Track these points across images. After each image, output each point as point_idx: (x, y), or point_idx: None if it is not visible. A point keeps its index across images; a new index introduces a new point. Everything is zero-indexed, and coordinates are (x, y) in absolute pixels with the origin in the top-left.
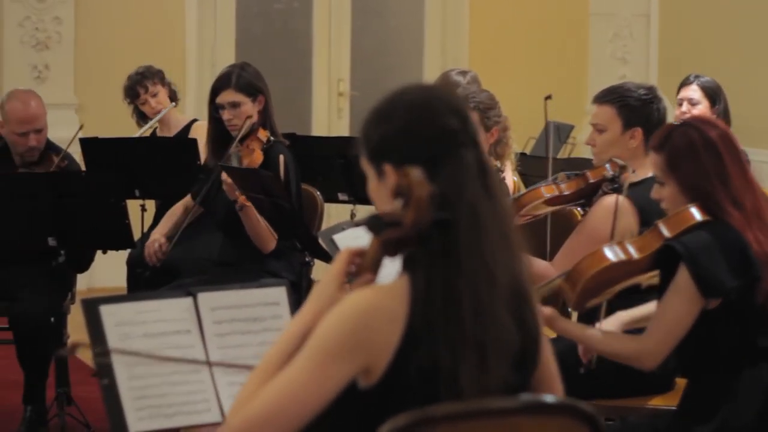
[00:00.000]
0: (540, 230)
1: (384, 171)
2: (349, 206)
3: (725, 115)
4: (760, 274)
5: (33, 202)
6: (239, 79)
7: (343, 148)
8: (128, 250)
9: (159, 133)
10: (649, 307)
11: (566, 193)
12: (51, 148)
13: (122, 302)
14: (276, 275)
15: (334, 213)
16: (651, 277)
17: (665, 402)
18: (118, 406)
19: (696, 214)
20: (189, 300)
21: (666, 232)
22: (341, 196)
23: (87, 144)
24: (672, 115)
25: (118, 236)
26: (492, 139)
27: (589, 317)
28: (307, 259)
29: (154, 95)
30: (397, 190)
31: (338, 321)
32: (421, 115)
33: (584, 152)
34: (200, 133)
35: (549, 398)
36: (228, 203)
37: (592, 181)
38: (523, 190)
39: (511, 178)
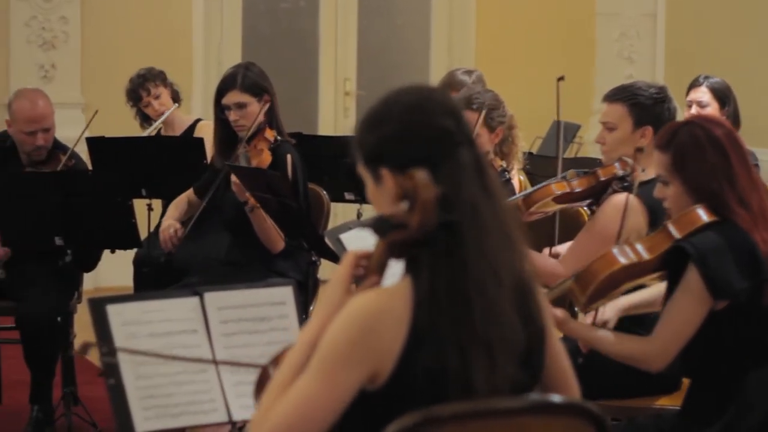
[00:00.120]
0: (548, 229)
1: (381, 175)
2: (356, 206)
3: (735, 117)
4: None
5: (40, 202)
6: (244, 79)
7: (349, 148)
8: (135, 250)
9: (164, 134)
10: (647, 293)
11: (577, 190)
12: (58, 147)
13: (129, 302)
14: (283, 275)
15: (340, 212)
16: (655, 278)
17: (672, 402)
18: (124, 405)
19: (704, 214)
20: (196, 300)
21: (675, 233)
22: (348, 196)
23: (93, 143)
24: (681, 117)
25: (124, 236)
26: (497, 139)
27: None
28: (313, 259)
29: (157, 97)
30: (403, 192)
31: (343, 328)
32: (416, 117)
33: (590, 152)
34: (205, 133)
35: (555, 398)
36: (236, 203)
37: (602, 179)
38: (531, 189)
39: (518, 177)
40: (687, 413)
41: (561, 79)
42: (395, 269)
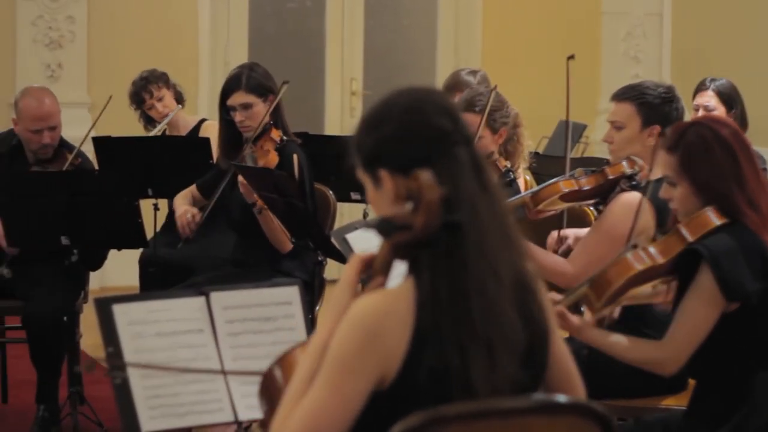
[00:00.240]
0: (555, 227)
1: (380, 177)
2: (362, 205)
3: (742, 119)
4: None
5: (46, 201)
6: (249, 80)
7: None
8: (140, 249)
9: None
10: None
11: (585, 188)
12: (64, 145)
13: (135, 301)
14: (289, 275)
15: (346, 212)
16: (668, 280)
17: (677, 402)
18: (130, 405)
19: (715, 217)
20: (201, 299)
21: (688, 236)
22: (354, 196)
23: (100, 143)
24: (689, 116)
25: (130, 235)
26: (501, 139)
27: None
28: (320, 259)
29: (160, 99)
30: (406, 193)
31: (348, 333)
32: (412, 118)
33: (597, 152)
34: (210, 132)
35: (561, 398)
36: (242, 204)
37: (610, 177)
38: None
39: (523, 177)
40: (694, 414)
41: (571, 57)
42: (400, 270)
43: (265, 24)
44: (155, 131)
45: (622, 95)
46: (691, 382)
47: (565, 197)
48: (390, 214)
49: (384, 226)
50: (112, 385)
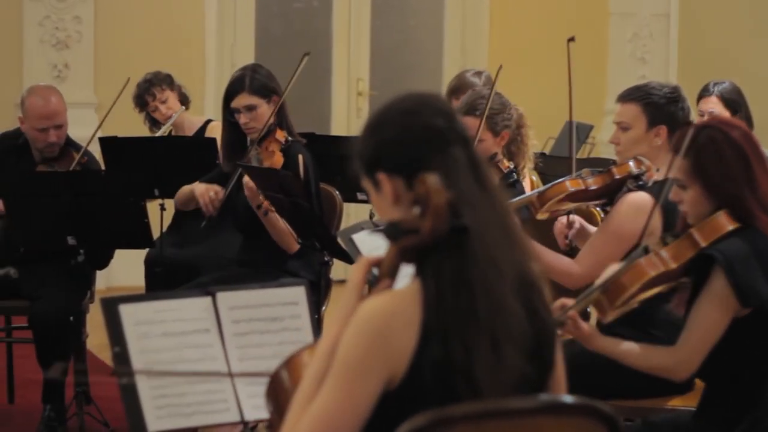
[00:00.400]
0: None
1: (378, 180)
2: (368, 206)
3: (747, 121)
4: None
5: (53, 201)
6: (252, 81)
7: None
8: (146, 249)
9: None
10: None
11: (592, 188)
12: (70, 144)
13: (141, 301)
14: (295, 275)
15: (353, 212)
16: (682, 282)
17: (684, 403)
18: (136, 405)
19: (727, 221)
20: (208, 299)
21: (700, 241)
22: (360, 196)
23: (106, 143)
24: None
25: (137, 235)
26: (503, 141)
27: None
28: (326, 259)
29: (164, 101)
30: (414, 197)
31: (356, 335)
32: (408, 120)
33: (603, 152)
34: (217, 133)
35: (568, 398)
36: (248, 205)
37: (617, 177)
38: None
39: (529, 177)
40: (703, 416)
41: (571, 39)
42: (406, 272)
43: (272, 24)
44: (160, 133)
45: (628, 96)
46: (698, 382)
47: (572, 197)
48: (395, 218)
49: (391, 230)
50: (119, 385)
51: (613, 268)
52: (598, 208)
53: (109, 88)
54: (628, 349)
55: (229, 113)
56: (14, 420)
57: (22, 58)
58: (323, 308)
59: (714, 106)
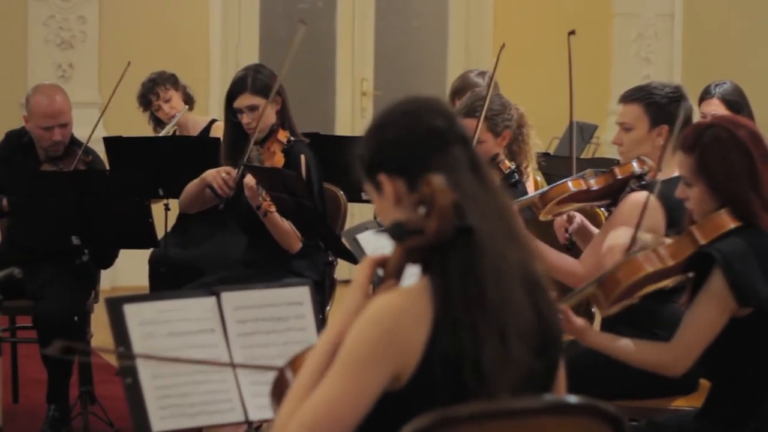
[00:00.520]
0: None
1: (380, 182)
2: (373, 206)
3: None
4: None
5: (57, 201)
6: (255, 81)
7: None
8: (151, 249)
9: None
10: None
11: (594, 188)
12: (75, 143)
13: (146, 301)
14: (299, 275)
15: (357, 212)
16: (678, 280)
17: (689, 403)
18: (141, 405)
19: (729, 219)
20: (212, 299)
21: (700, 239)
22: (365, 196)
23: (111, 143)
24: (697, 116)
25: (141, 235)
26: (504, 142)
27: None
28: (330, 259)
29: (167, 101)
30: (418, 198)
31: (365, 328)
32: (408, 121)
33: (608, 152)
34: (221, 133)
35: (572, 399)
36: (251, 205)
37: (619, 177)
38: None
39: (532, 177)
40: (707, 417)
41: (572, 33)
42: (411, 272)
43: (276, 25)
44: (163, 133)
45: (630, 97)
46: (703, 382)
47: (574, 197)
48: (400, 219)
49: (396, 231)
50: (123, 385)
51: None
52: (603, 209)
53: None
54: (622, 345)
55: (231, 113)
56: (19, 419)
57: (26, 57)
58: (328, 308)
59: (716, 108)
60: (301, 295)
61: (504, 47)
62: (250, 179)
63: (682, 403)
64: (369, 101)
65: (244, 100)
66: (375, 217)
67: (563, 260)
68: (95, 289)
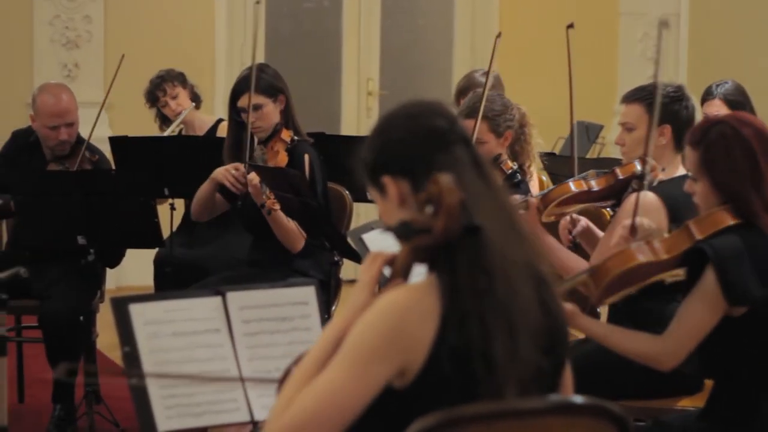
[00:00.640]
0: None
1: (383, 184)
2: None
3: None
4: None
5: (63, 201)
6: (259, 81)
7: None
8: (156, 249)
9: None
10: None
11: (595, 189)
12: (81, 142)
13: (151, 301)
14: (305, 274)
15: (363, 212)
16: (676, 274)
17: (694, 403)
18: (146, 405)
19: (728, 216)
20: (218, 299)
21: (696, 234)
22: (370, 196)
23: (116, 143)
24: (700, 115)
25: (147, 235)
26: (507, 142)
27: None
28: (335, 259)
29: (174, 97)
30: (426, 197)
31: (374, 322)
32: (409, 122)
33: (614, 152)
34: None
35: (578, 399)
36: (256, 204)
37: (621, 177)
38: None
39: (536, 177)
40: (708, 417)
41: (570, 26)
42: (418, 273)
43: (282, 24)
44: (169, 130)
45: (631, 97)
46: (708, 383)
47: (576, 198)
48: (407, 218)
49: (404, 230)
50: (129, 385)
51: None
52: (609, 209)
53: (120, 87)
54: (611, 330)
55: (235, 112)
56: (24, 419)
57: (32, 57)
58: (333, 308)
59: (718, 109)
60: (306, 294)
61: (500, 36)
62: (254, 177)
63: (687, 404)
64: (375, 101)
65: (247, 99)
66: (380, 217)
67: (575, 262)
68: (101, 288)
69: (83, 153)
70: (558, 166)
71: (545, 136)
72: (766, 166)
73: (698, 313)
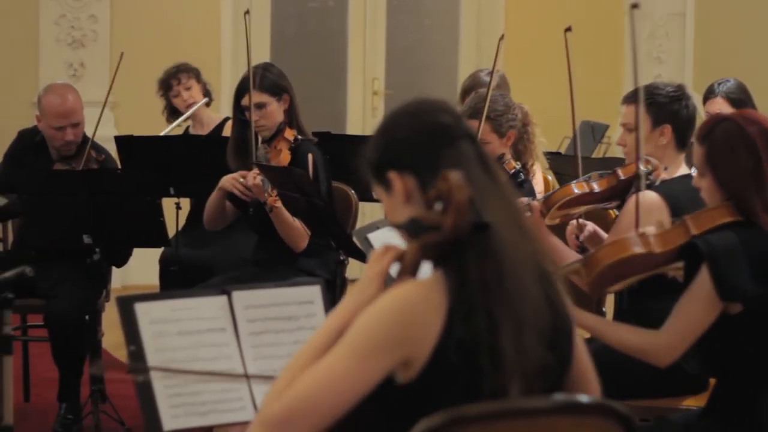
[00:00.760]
0: None
1: (389, 180)
2: None
3: None
4: None
5: (69, 200)
6: (263, 79)
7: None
8: (161, 248)
9: (192, 131)
10: None
11: (597, 190)
12: (87, 142)
13: (157, 300)
14: (310, 274)
15: (368, 212)
16: (676, 269)
17: (698, 403)
18: (152, 403)
19: (726, 212)
20: (223, 298)
21: (692, 229)
22: (376, 195)
23: (122, 142)
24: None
25: (152, 234)
26: (509, 142)
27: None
28: (341, 258)
29: (188, 89)
30: (436, 194)
31: (380, 315)
32: (415, 119)
33: (619, 152)
34: None
35: (583, 398)
36: (260, 204)
37: (623, 178)
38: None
39: (540, 176)
40: (710, 414)
41: (568, 29)
42: (425, 271)
43: (287, 24)
44: (176, 123)
45: (632, 98)
46: (712, 382)
47: (579, 200)
48: (415, 215)
49: (412, 227)
50: (134, 384)
51: None
52: (615, 210)
53: (125, 87)
54: (607, 324)
55: (239, 111)
56: (30, 418)
57: (38, 56)
58: None
59: (720, 107)
60: (312, 294)
61: (503, 38)
62: (255, 174)
63: (692, 403)
64: (380, 100)
65: (252, 98)
66: (386, 216)
67: (576, 259)
68: (106, 287)
69: (89, 152)
70: (563, 165)
71: (550, 136)
72: None
73: (694, 309)
